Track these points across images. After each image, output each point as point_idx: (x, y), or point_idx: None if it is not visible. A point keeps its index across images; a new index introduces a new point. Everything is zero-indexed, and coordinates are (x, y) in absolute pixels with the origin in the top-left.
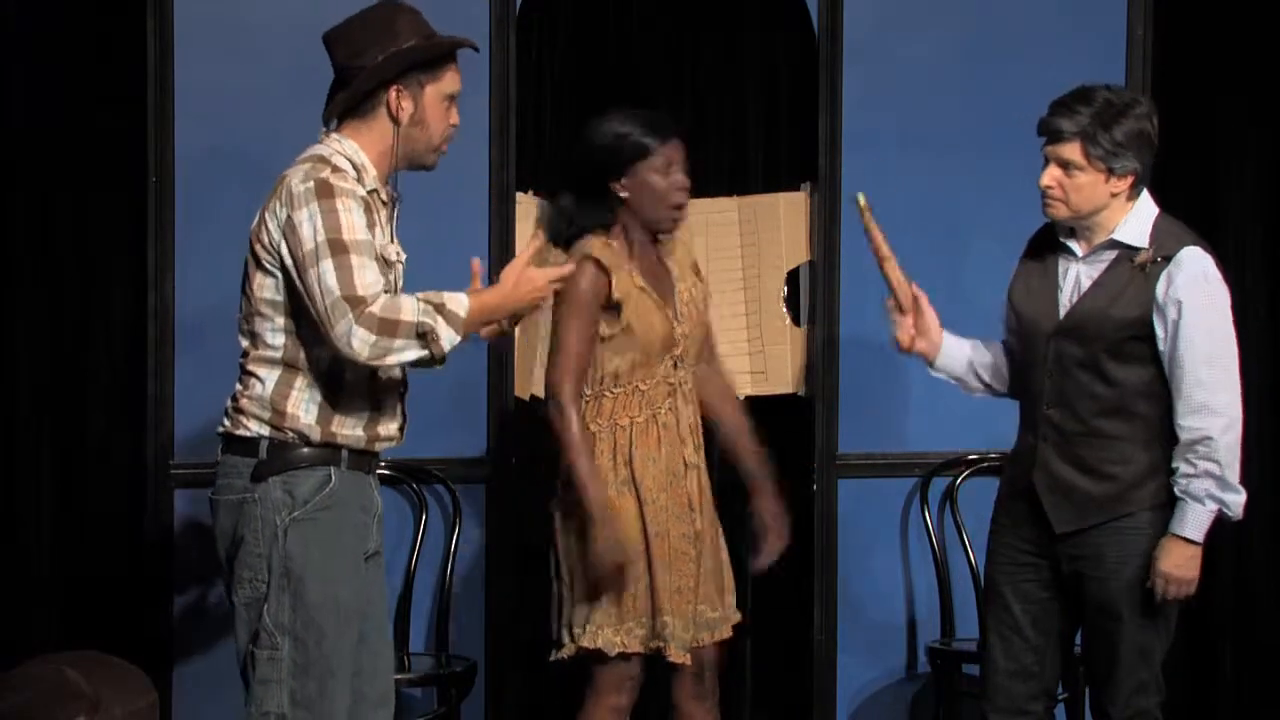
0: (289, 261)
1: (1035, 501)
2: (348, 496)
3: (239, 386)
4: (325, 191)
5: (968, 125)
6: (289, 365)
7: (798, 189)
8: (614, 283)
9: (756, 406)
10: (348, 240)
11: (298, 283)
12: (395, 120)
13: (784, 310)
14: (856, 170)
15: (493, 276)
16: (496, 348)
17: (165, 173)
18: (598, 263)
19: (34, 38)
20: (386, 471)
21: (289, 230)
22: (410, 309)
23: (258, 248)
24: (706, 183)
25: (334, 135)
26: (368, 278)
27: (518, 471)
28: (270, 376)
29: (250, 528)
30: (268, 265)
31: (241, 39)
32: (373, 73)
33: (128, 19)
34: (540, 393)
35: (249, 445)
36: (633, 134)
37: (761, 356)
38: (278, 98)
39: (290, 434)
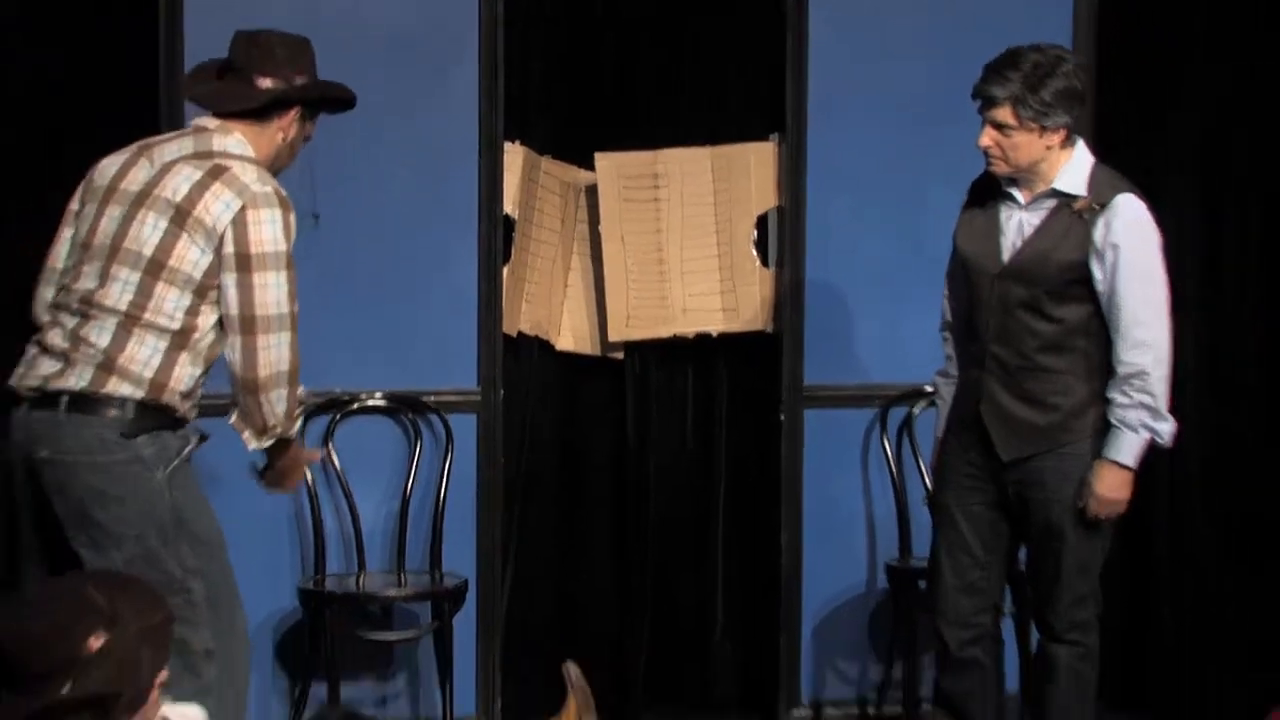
0: (230, 249)
1: (982, 430)
2: (193, 450)
3: (103, 341)
4: (284, 205)
5: (923, 82)
6: (178, 339)
7: (767, 140)
8: None
9: (728, 342)
10: (290, 257)
11: (231, 272)
12: (282, 138)
13: (754, 253)
14: (822, 122)
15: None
16: (486, 289)
17: None
18: None
19: (41, 38)
20: (383, 403)
21: (241, 223)
22: (302, 390)
23: (189, 222)
24: (683, 135)
25: (237, 134)
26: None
27: (506, 402)
28: (158, 345)
29: (129, 488)
30: (199, 241)
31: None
32: (300, 90)
33: (139, 18)
34: (527, 330)
35: (113, 405)
36: None
37: (733, 295)
38: None
39: (163, 401)
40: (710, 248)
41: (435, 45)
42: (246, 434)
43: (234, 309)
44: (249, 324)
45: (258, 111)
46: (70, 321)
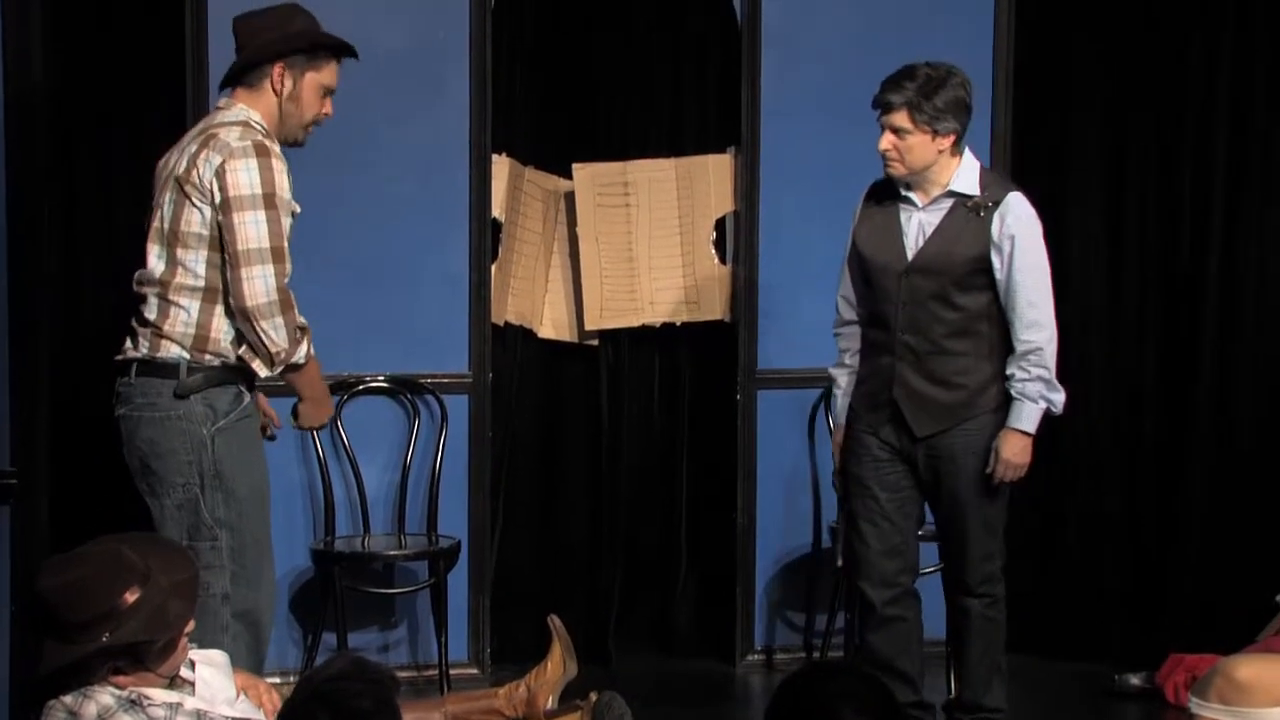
0: (217, 199)
1: (894, 411)
2: (252, 408)
3: (152, 314)
4: (262, 151)
5: (863, 96)
6: (208, 295)
7: (725, 151)
8: None
9: (690, 330)
10: (278, 197)
11: (220, 217)
12: (277, 94)
13: (713, 252)
14: (773, 136)
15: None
16: (476, 283)
17: None
18: None
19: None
20: (385, 384)
21: (221, 174)
22: (302, 319)
23: (187, 187)
24: (650, 146)
25: (239, 105)
26: (285, 234)
27: (494, 384)
28: (193, 305)
29: (178, 440)
30: (197, 202)
31: None
32: (262, 46)
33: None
34: (513, 319)
35: (168, 368)
36: None
37: (695, 289)
38: None
39: (209, 357)
40: (675, 247)
41: (430, 68)
42: (256, 364)
43: (226, 248)
44: (234, 259)
45: (242, 79)
46: (140, 302)
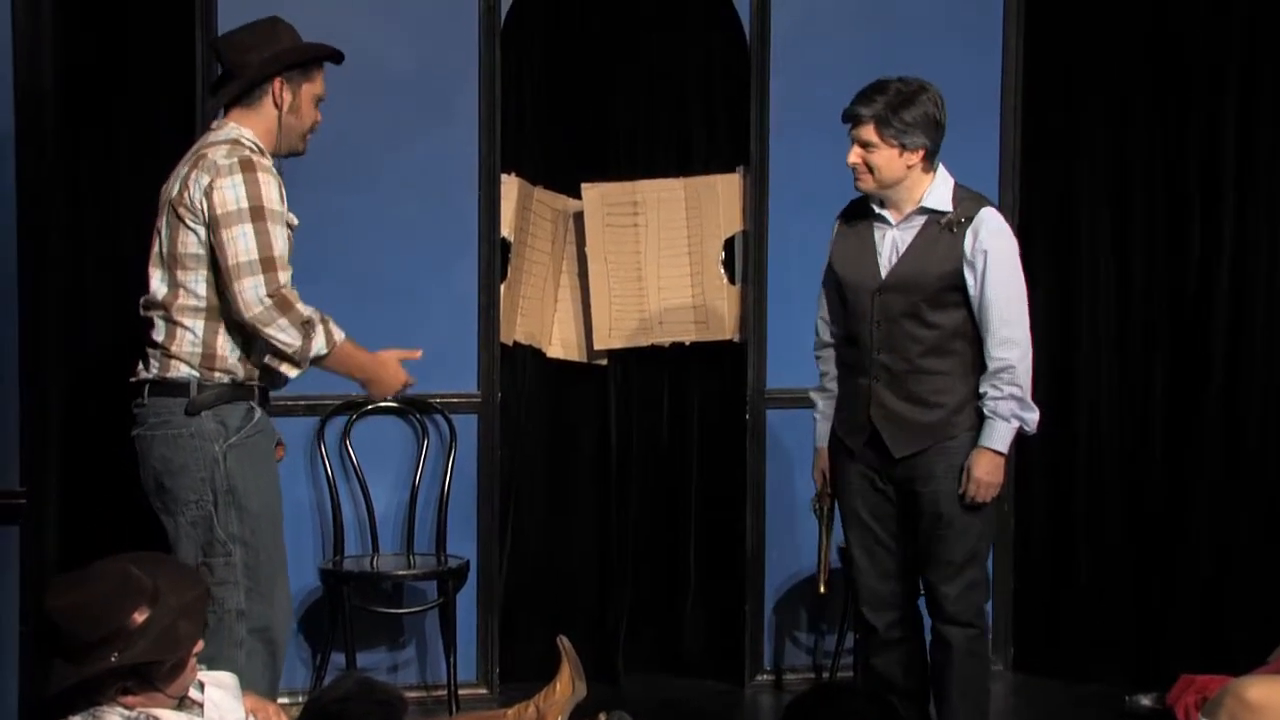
0: (207, 218)
1: (872, 434)
2: (264, 424)
3: (160, 335)
4: (249, 166)
5: None
6: (212, 312)
7: (733, 171)
8: None
9: (699, 350)
10: (267, 209)
11: (212, 235)
12: (278, 107)
13: (722, 271)
14: (781, 156)
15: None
16: (486, 303)
17: None
18: None
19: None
20: (394, 405)
21: (209, 193)
22: (303, 305)
23: (180, 209)
24: (659, 166)
25: (230, 123)
26: (279, 245)
27: (503, 404)
28: (197, 324)
29: (191, 457)
30: (190, 223)
31: None
32: (264, 64)
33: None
34: (522, 339)
35: (179, 387)
36: None
37: (704, 309)
38: None
39: (219, 374)
40: (684, 266)
41: (439, 88)
42: (284, 367)
43: (220, 264)
44: (227, 274)
45: (242, 98)
46: (148, 325)
